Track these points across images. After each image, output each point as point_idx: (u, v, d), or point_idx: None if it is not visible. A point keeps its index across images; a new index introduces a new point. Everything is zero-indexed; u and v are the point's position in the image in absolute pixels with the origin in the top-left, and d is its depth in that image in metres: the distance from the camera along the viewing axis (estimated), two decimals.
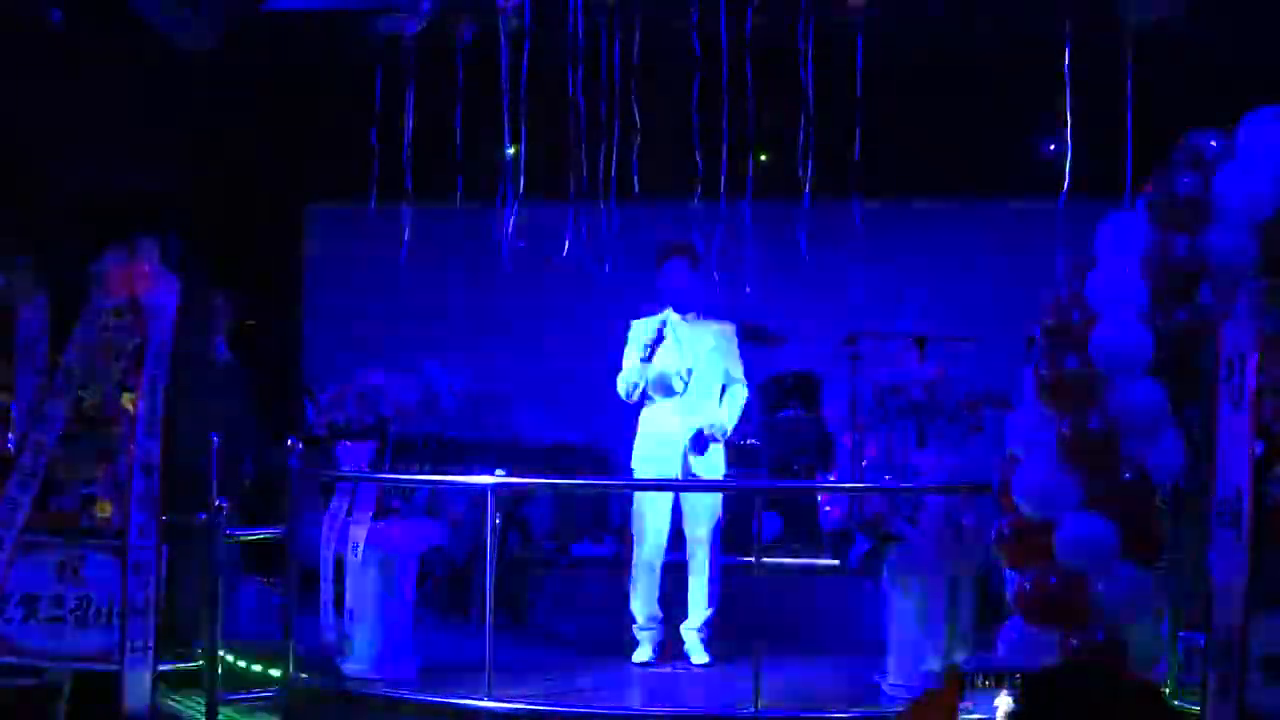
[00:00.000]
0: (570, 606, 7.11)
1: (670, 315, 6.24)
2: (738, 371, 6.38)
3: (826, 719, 5.35)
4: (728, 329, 6.40)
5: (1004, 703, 2.10)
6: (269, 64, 8.24)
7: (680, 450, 6.25)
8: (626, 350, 6.35)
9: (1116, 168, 6.13)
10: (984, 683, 2.11)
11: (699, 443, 6.26)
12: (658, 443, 6.30)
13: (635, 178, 6.70)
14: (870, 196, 6.95)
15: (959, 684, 1.91)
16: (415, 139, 6.87)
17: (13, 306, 5.30)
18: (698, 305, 6.35)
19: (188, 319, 5.18)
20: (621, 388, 6.30)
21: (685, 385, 6.27)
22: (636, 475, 6.41)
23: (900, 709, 5.11)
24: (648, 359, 6.19)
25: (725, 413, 6.33)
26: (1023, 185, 8.07)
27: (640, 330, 6.28)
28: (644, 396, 6.33)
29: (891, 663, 5.72)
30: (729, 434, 6.36)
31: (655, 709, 5.58)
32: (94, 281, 5.13)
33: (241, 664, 5.91)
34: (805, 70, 6.43)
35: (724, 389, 6.37)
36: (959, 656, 5.43)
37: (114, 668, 4.87)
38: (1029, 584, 4.30)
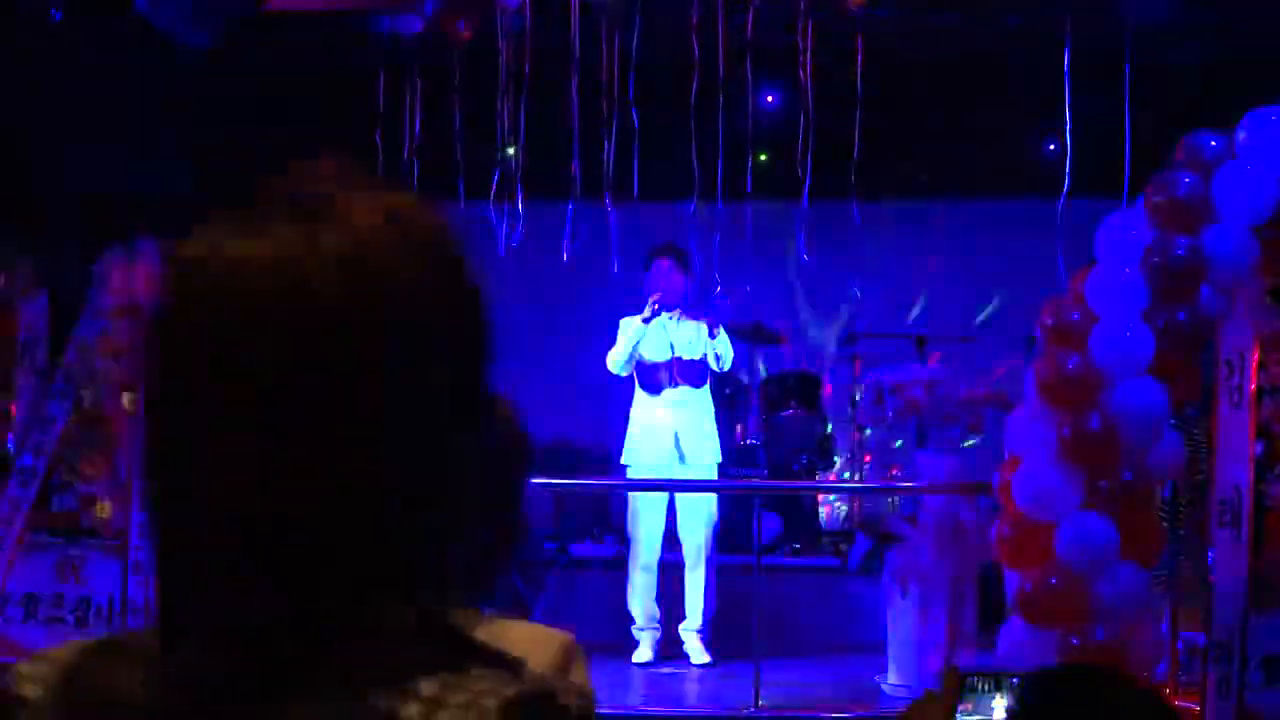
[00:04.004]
0: (570, 606, 7.11)
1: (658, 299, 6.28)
2: (724, 348, 6.35)
3: (826, 719, 5.35)
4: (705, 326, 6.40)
5: (1004, 703, 2.09)
6: (269, 64, 8.24)
7: (671, 444, 6.26)
8: (617, 343, 6.38)
9: (1116, 168, 6.13)
10: (983, 683, 2.11)
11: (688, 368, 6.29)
12: (648, 439, 6.32)
13: (635, 178, 6.70)
14: (870, 196, 6.95)
15: (958, 685, 1.91)
16: (416, 139, 6.87)
17: (13, 306, 5.29)
18: (683, 304, 6.38)
19: None
20: (613, 358, 6.33)
21: (671, 380, 6.31)
22: (629, 473, 6.43)
23: (900, 709, 5.11)
24: (649, 320, 6.25)
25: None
26: (1023, 185, 8.07)
27: (629, 326, 6.33)
28: (633, 385, 6.36)
29: (891, 663, 5.73)
30: (724, 359, 6.35)
31: (655, 709, 5.58)
32: (94, 281, 5.13)
33: None
34: (805, 70, 6.44)
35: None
36: (959, 657, 5.43)
37: None
38: (1029, 584, 4.30)
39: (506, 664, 0.89)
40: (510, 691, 0.85)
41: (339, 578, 0.88)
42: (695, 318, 6.37)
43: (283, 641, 0.88)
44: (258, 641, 0.88)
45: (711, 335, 6.25)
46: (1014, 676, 2.03)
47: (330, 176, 0.97)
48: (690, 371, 6.34)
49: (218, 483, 0.87)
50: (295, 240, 0.89)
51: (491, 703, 0.84)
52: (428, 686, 0.85)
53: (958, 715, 1.90)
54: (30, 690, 0.95)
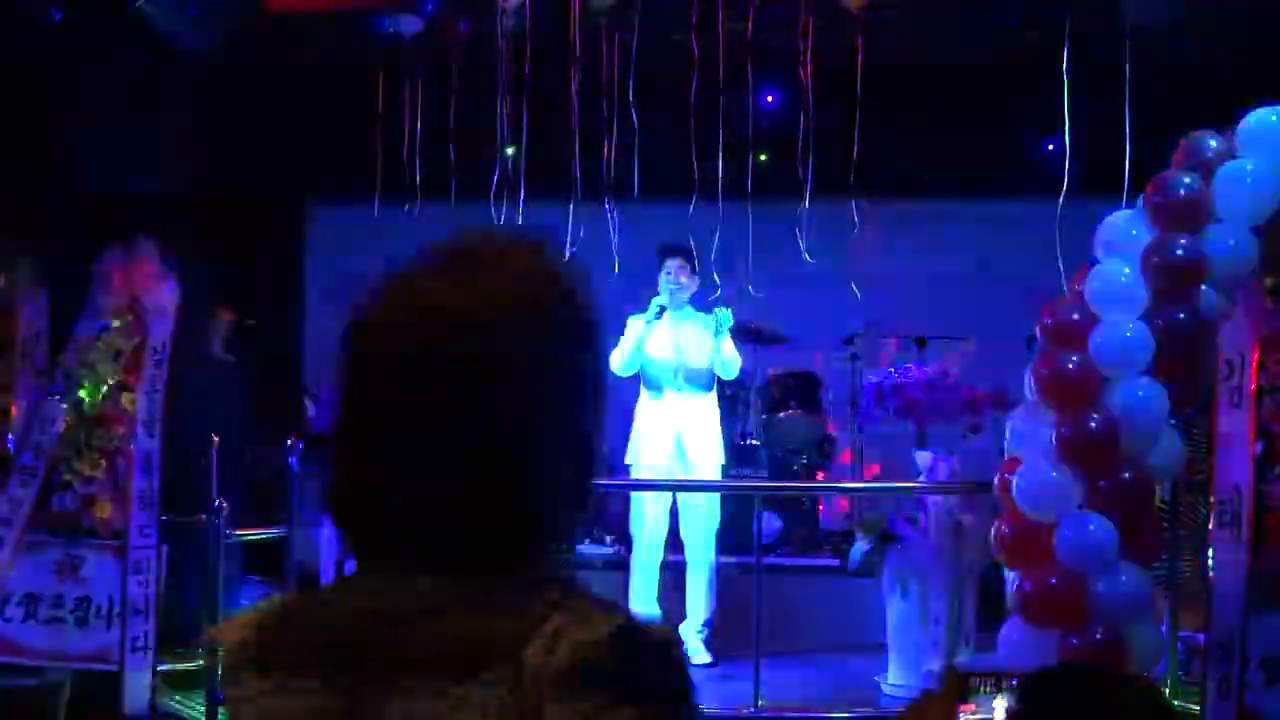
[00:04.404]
0: None
1: (664, 300, 6.27)
2: (730, 354, 6.35)
3: (826, 719, 5.35)
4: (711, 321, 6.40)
5: (1004, 703, 2.09)
6: (269, 64, 8.24)
7: (674, 445, 6.25)
8: (621, 342, 6.36)
9: (1116, 168, 6.13)
10: (983, 683, 2.11)
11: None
12: (652, 439, 6.31)
13: (635, 178, 6.70)
14: (870, 196, 6.94)
15: (958, 685, 1.91)
16: (416, 139, 6.87)
17: (13, 306, 5.29)
18: (691, 303, 6.39)
19: (187, 319, 5.17)
20: (617, 358, 6.30)
21: (676, 375, 6.30)
22: (632, 473, 6.42)
23: (900, 709, 5.11)
24: (655, 318, 6.25)
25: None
26: (1023, 185, 8.07)
27: (634, 325, 6.32)
28: (638, 384, 6.35)
29: (891, 663, 5.73)
30: (730, 367, 6.35)
31: None
32: (94, 281, 5.13)
33: None
34: (805, 70, 6.44)
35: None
36: (959, 657, 5.43)
37: (114, 668, 4.86)
38: (1029, 584, 4.30)
39: (609, 604, 1.23)
40: (615, 622, 1.19)
41: (499, 526, 1.25)
42: (699, 317, 6.37)
43: (460, 565, 1.23)
44: (438, 564, 1.23)
45: (717, 332, 6.26)
46: (1014, 676, 2.03)
47: (492, 237, 1.34)
48: (695, 377, 6.33)
49: (406, 460, 1.24)
50: (460, 280, 1.28)
51: (604, 628, 1.18)
52: (566, 602, 1.20)
53: (958, 715, 1.91)
54: (232, 634, 1.30)
